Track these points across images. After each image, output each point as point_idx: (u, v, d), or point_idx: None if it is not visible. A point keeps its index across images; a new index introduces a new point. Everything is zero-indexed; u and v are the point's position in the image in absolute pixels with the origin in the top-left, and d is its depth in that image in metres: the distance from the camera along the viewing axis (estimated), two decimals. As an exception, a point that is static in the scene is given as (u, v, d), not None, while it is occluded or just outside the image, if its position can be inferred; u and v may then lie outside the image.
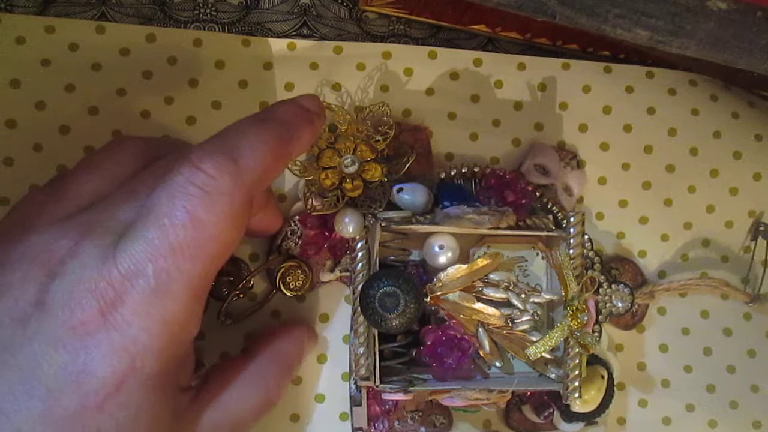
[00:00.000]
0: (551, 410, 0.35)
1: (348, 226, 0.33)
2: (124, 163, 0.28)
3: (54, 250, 0.24)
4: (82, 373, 0.23)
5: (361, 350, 0.31)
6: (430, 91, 0.37)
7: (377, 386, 0.31)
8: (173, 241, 0.23)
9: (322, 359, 0.36)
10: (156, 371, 0.24)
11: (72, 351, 0.23)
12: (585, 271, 0.33)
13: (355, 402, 0.33)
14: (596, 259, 0.36)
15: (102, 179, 0.28)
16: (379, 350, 0.31)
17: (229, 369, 0.30)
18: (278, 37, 0.37)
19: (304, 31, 0.37)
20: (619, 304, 0.36)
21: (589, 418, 0.35)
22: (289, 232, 0.35)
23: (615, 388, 0.35)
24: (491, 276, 0.33)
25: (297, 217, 0.35)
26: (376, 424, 0.35)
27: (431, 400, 0.34)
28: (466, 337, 0.33)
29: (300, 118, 0.28)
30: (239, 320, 0.35)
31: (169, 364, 0.25)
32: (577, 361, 0.32)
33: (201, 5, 0.37)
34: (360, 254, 0.32)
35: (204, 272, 0.25)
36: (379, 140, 0.34)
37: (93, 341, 0.23)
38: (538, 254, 0.35)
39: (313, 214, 0.34)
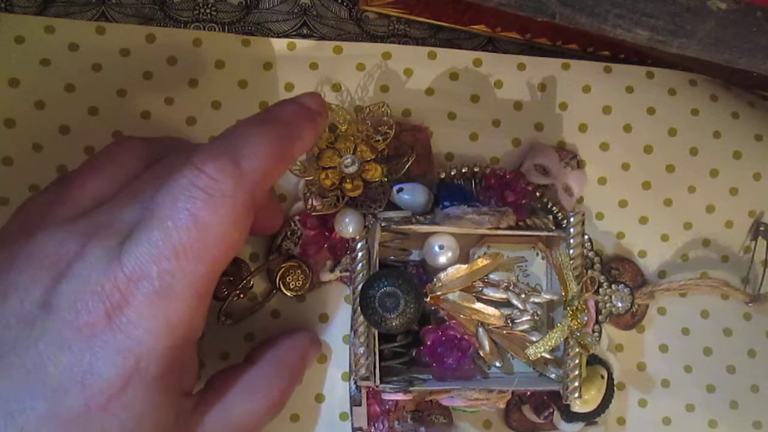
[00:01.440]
0: (551, 410, 0.35)
1: (348, 226, 0.33)
2: (126, 165, 0.28)
3: (61, 252, 0.25)
4: (87, 374, 0.23)
5: (361, 350, 0.31)
6: (429, 91, 0.37)
7: (377, 386, 0.31)
8: (177, 244, 0.24)
9: (322, 359, 0.36)
10: (160, 373, 0.25)
11: (77, 352, 0.23)
12: (585, 271, 0.33)
13: (355, 402, 0.33)
14: (596, 259, 0.36)
15: (105, 181, 0.28)
16: (379, 350, 0.31)
17: (232, 376, 0.30)
18: (278, 37, 0.37)
19: (304, 31, 0.37)
20: (619, 304, 0.36)
21: (589, 418, 0.35)
22: (289, 232, 0.35)
23: (615, 388, 0.35)
24: (491, 276, 0.33)
25: (297, 217, 0.35)
26: (376, 424, 0.35)
27: (431, 400, 0.34)
28: (466, 337, 0.33)
29: (302, 117, 0.28)
30: (239, 320, 0.35)
31: (173, 365, 0.25)
32: (577, 361, 0.32)
33: (201, 5, 0.37)
34: (360, 254, 0.32)
35: (208, 274, 0.25)
36: (379, 140, 0.34)
37: (98, 342, 0.23)
38: (538, 254, 0.35)
39: (313, 214, 0.34)
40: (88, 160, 0.30)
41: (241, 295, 0.35)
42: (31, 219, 0.27)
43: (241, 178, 0.25)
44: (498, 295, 0.33)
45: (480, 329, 0.33)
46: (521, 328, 0.33)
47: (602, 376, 0.35)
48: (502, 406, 0.35)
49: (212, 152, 0.25)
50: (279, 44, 0.36)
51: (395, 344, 0.33)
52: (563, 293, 0.33)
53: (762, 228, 0.39)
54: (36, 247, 0.25)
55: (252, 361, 0.32)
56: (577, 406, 0.34)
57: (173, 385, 0.26)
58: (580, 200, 0.38)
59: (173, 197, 0.24)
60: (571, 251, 0.33)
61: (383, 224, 0.32)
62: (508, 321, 0.33)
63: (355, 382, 0.33)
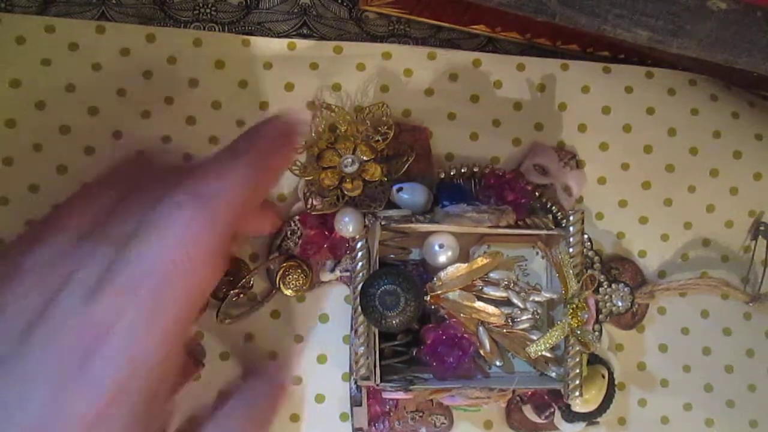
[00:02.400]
0: (552, 410, 0.35)
1: (348, 225, 0.33)
2: (102, 204, 0.29)
3: (58, 273, 0.25)
4: (82, 379, 0.24)
5: (362, 350, 0.31)
6: (429, 92, 0.37)
7: (377, 385, 0.31)
8: (151, 283, 0.24)
9: (322, 359, 0.36)
10: (149, 383, 0.25)
11: (73, 359, 0.24)
12: (584, 269, 0.33)
13: (355, 402, 0.33)
14: (596, 258, 0.36)
15: (90, 212, 0.28)
16: (380, 349, 0.31)
17: (200, 425, 0.30)
18: (278, 37, 0.37)
19: (304, 31, 0.38)
20: (620, 304, 0.36)
21: (591, 418, 0.35)
22: (289, 232, 0.35)
23: (616, 388, 0.35)
24: (491, 275, 0.33)
25: (297, 217, 0.35)
26: (376, 425, 0.35)
27: (432, 400, 0.34)
28: (466, 335, 0.33)
29: (277, 143, 0.29)
30: (239, 320, 0.35)
31: (164, 374, 0.26)
32: (577, 359, 0.32)
33: (201, 5, 0.37)
34: (360, 254, 0.32)
35: (184, 309, 0.25)
36: (378, 140, 0.34)
37: (92, 348, 0.24)
38: (537, 253, 0.35)
39: (313, 213, 0.34)
40: (77, 191, 0.30)
41: (241, 295, 0.35)
42: (31, 237, 0.28)
43: (216, 218, 0.26)
44: (498, 293, 0.33)
45: (480, 328, 0.33)
46: (521, 326, 0.33)
47: (603, 376, 0.35)
48: (503, 405, 0.35)
49: (187, 193, 0.26)
50: (279, 44, 0.36)
51: (395, 343, 0.33)
52: (563, 291, 0.33)
53: (762, 228, 0.39)
54: (35, 260, 0.26)
55: (218, 409, 0.31)
56: (578, 406, 0.34)
57: (160, 397, 0.27)
58: (580, 200, 0.38)
59: (148, 237, 0.25)
60: (571, 249, 0.33)
61: (383, 223, 0.32)
62: (509, 320, 0.33)
63: (356, 382, 0.33)
